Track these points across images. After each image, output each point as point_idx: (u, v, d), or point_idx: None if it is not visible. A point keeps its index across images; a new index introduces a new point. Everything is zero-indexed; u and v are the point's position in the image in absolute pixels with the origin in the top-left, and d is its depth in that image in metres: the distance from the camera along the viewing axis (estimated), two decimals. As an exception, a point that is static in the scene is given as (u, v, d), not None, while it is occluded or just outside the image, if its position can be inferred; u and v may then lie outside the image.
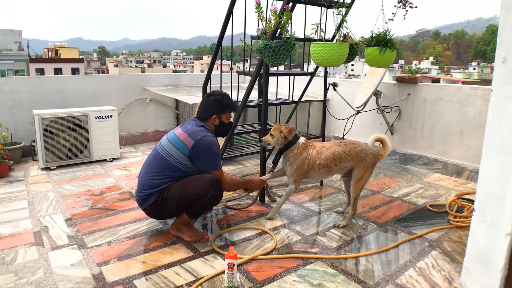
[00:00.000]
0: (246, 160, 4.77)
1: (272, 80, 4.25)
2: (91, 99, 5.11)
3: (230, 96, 2.80)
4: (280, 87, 4.52)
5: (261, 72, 3.25)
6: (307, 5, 3.51)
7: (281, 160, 3.00)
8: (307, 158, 2.80)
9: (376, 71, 4.47)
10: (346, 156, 2.79)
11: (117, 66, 56.12)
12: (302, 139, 2.88)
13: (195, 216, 2.69)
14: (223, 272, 2.20)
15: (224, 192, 3.01)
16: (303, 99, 4.58)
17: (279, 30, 2.84)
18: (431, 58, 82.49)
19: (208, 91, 4.16)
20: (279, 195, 3.50)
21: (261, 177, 3.08)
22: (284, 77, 4.73)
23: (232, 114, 2.84)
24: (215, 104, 2.69)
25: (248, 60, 3.87)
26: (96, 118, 4.46)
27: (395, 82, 4.76)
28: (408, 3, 3.29)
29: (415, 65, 71.16)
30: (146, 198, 2.56)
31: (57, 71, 34.99)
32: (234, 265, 2.04)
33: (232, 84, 3.94)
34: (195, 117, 2.75)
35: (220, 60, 4.42)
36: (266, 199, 3.37)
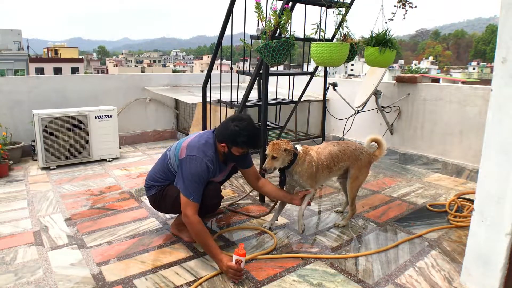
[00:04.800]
0: (246, 160, 4.76)
1: (272, 79, 4.25)
2: (91, 99, 5.11)
3: (254, 131, 2.39)
4: (280, 87, 4.52)
5: (261, 71, 3.25)
6: (307, 5, 3.51)
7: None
8: (313, 160, 2.64)
9: (376, 71, 4.47)
10: (342, 155, 2.76)
11: (116, 66, 56.08)
12: (299, 147, 2.68)
13: None
14: (223, 272, 2.21)
15: (224, 193, 3.00)
16: (303, 99, 4.58)
17: (279, 30, 2.84)
18: (430, 58, 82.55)
19: (208, 91, 4.15)
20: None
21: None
22: (284, 77, 4.73)
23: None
24: (230, 134, 2.35)
25: (248, 60, 3.86)
26: (96, 118, 4.46)
27: (395, 82, 4.75)
28: (408, 3, 3.29)
29: (415, 65, 71.25)
30: (149, 188, 2.64)
31: (57, 71, 34.97)
32: (241, 262, 2.08)
33: (232, 84, 3.93)
34: (215, 129, 2.55)
35: (220, 60, 4.41)
36: (266, 199, 3.37)
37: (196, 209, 2.29)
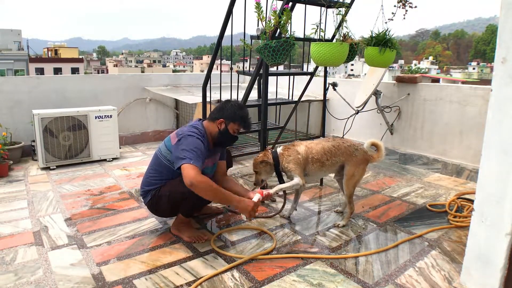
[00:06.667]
0: (245, 160, 4.76)
1: (272, 79, 4.25)
2: (91, 99, 5.11)
3: (248, 112, 2.66)
4: (280, 87, 4.52)
5: (261, 71, 3.25)
6: (307, 5, 3.51)
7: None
8: (298, 153, 2.77)
9: (376, 71, 4.47)
10: (336, 150, 2.81)
11: (116, 66, 56.08)
12: (279, 148, 2.85)
13: (188, 216, 2.64)
14: (222, 272, 2.21)
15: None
16: (302, 99, 4.58)
17: (278, 30, 2.84)
18: (430, 58, 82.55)
19: (208, 91, 4.15)
20: (280, 195, 3.49)
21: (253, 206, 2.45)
22: (284, 77, 4.73)
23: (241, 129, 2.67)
24: (229, 110, 2.57)
25: (248, 60, 3.87)
26: (96, 118, 4.46)
27: (394, 82, 4.76)
28: (408, 3, 3.29)
29: (415, 65, 71.27)
30: (145, 194, 2.65)
31: (57, 71, 34.97)
32: (259, 199, 2.49)
33: (232, 84, 3.94)
34: (200, 119, 2.69)
35: (220, 60, 4.42)
36: (266, 199, 3.37)
37: (198, 171, 2.23)
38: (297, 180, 2.73)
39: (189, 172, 2.21)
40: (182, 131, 2.49)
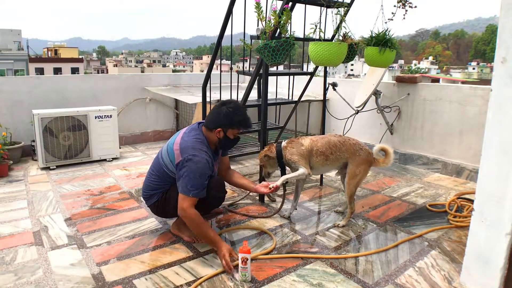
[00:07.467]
0: (245, 160, 4.77)
1: (271, 79, 4.25)
2: (90, 99, 5.11)
3: (245, 111, 2.54)
4: (280, 87, 4.52)
5: (261, 71, 3.24)
6: (306, 5, 3.51)
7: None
8: (302, 145, 2.82)
9: (376, 71, 4.47)
10: (341, 146, 2.83)
11: (116, 66, 56.03)
12: (283, 142, 2.89)
13: None
14: (222, 272, 2.21)
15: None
16: (302, 98, 4.59)
17: (278, 30, 2.84)
18: (430, 58, 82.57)
19: (207, 90, 4.15)
20: (279, 195, 3.50)
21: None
22: (283, 77, 4.73)
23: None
24: (224, 117, 2.44)
25: (248, 60, 3.86)
26: (95, 118, 4.46)
27: (394, 82, 4.76)
28: (407, 3, 3.29)
29: (415, 64, 71.30)
30: (149, 197, 2.63)
31: (57, 71, 34.96)
32: (247, 259, 2.10)
33: (232, 84, 3.94)
34: (199, 122, 2.63)
35: (219, 60, 4.41)
36: (266, 199, 3.37)
37: (193, 203, 2.32)
38: (302, 170, 2.75)
39: (184, 203, 2.30)
40: (186, 147, 2.39)
